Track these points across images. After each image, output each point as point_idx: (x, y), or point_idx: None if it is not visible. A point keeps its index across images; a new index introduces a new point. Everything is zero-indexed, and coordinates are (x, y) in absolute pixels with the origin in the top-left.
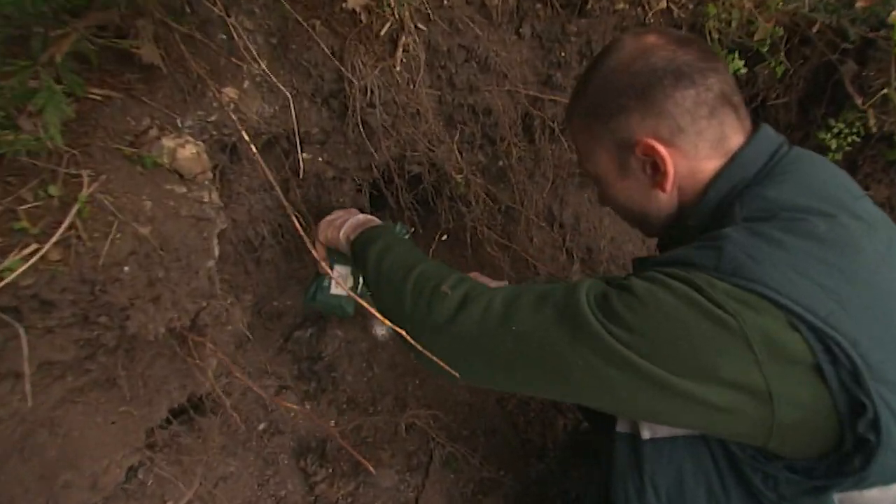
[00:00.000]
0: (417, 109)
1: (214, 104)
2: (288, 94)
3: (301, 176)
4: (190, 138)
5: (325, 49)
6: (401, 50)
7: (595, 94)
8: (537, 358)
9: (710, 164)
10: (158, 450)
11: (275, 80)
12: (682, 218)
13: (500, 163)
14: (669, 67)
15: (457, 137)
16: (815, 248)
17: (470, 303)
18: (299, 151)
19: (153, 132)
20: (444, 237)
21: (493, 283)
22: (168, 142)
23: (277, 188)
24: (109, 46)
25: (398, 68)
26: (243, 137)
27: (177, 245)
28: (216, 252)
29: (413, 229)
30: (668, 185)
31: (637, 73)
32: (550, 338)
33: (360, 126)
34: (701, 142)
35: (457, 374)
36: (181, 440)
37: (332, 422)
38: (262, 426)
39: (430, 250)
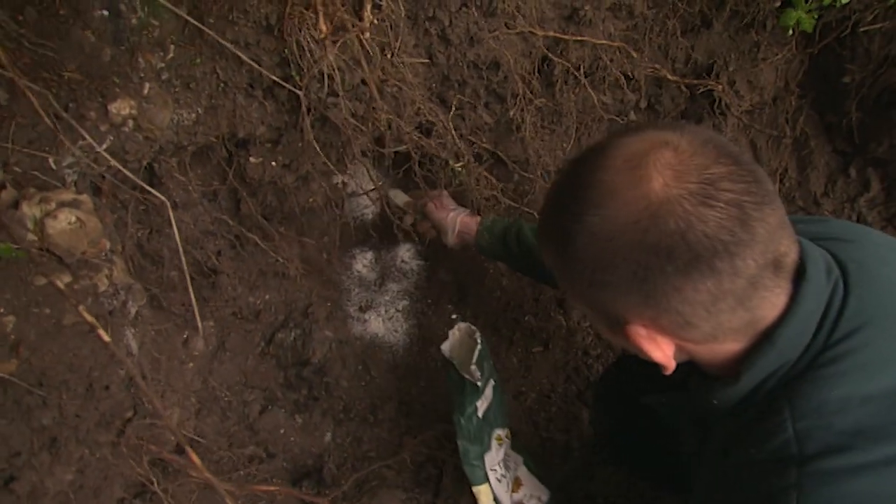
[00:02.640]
0: (399, 86)
1: (103, 127)
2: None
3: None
4: (66, 194)
5: (253, 23)
6: (370, 6)
7: (574, 248)
8: None
9: (734, 346)
10: None
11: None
12: (706, 383)
13: (511, 113)
14: (679, 246)
15: (452, 112)
16: None
17: None
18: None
19: (6, 193)
20: None
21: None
22: (30, 209)
23: None
24: None
25: (367, 35)
26: (159, 157)
27: (64, 372)
28: (134, 345)
29: None
30: (668, 371)
31: (634, 246)
32: None
33: (313, 126)
34: (721, 332)
35: None
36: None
37: (328, 435)
38: (248, 450)
39: None
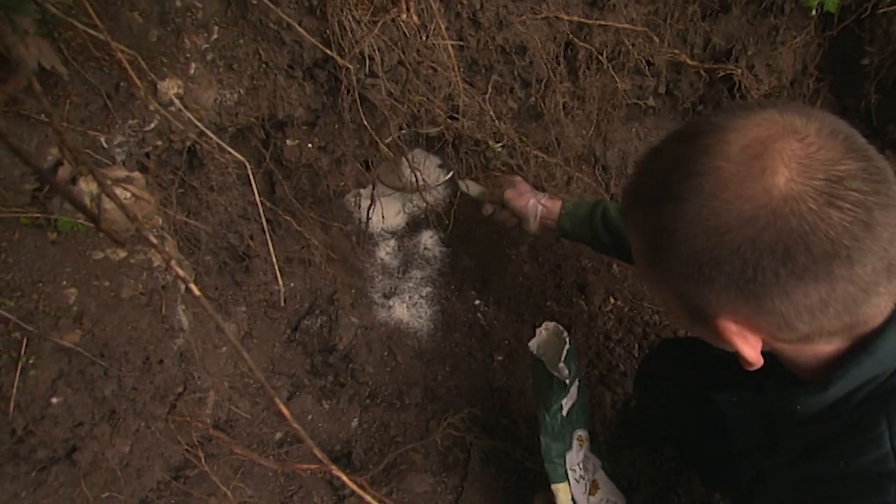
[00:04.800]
0: (434, 68)
1: (151, 107)
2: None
3: (287, 167)
4: (120, 171)
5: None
6: None
7: (675, 239)
8: None
9: (825, 348)
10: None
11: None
12: (789, 389)
13: (535, 99)
14: (798, 248)
15: (489, 93)
16: None
17: None
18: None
19: (64, 170)
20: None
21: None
22: (87, 185)
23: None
24: None
25: (408, 16)
26: (203, 136)
27: (124, 344)
28: (184, 320)
29: None
30: (754, 367)
31: (747, 243)
32: None
33: (359, 104)
34: (817, 335)
35: None
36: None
37: (355, 420)
38: (277, 436)
39: None
